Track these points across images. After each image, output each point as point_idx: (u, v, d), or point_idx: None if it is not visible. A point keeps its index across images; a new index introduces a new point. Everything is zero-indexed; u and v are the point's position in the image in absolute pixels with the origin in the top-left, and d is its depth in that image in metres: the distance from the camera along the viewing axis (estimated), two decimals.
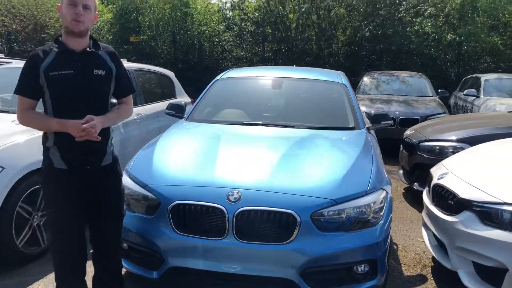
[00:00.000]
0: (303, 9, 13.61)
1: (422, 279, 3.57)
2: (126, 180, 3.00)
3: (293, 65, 14.40)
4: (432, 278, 3.58)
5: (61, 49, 2.40)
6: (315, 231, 2.65)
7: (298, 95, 4.48)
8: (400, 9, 14.58)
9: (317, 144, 3.47)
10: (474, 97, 10.34)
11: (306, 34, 14.63)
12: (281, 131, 3.78)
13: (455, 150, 5.08)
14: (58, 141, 2.43)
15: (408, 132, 6.09)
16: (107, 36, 16.91)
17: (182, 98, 6.75)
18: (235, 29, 15.89)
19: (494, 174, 3.22)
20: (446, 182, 3.32)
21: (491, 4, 13.91)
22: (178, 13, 16.20)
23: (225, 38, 15.87)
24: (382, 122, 4.22)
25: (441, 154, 5.20)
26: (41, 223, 3.66)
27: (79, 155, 2.43)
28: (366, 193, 2.83)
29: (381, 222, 2.83)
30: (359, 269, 2.77)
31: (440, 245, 3.43)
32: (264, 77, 4.73)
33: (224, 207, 2.65)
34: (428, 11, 14.91)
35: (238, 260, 2.67)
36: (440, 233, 3.27)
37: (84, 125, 2.32)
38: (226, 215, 2.64)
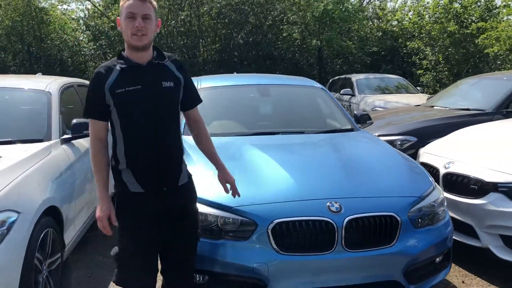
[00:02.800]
0: (182, 17, 13.38)
1: None
2: (199, 208, 2.66)
3: None
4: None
5: (125, 64, 2.19)
6: (412, 229, 2.72)
7: (286, 101, 4.46)
8: (268, 17, 15.39)
9: (352, 147, 3.54)
10: (350, 96, 11.52)
11: (183, 42, 14.43)
12: (301, 138, 3.76)
13: (403, 143, 5.65)
14: (132, 163, 2.23)
15: None
16: None
17: None
18: (102, 37, 14.85)
19: (503, 156, 3.68)
20: (461, 170, 3.69)
21: (344, 13, 15.59)
22: (31, 21, 14.47)
23: (93, 47, 14.72)
24: (367, 122, 4.47)
25: None
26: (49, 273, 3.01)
27: (155, 176, 2.24)
28: (433, 189, 3.00)
29: (446, 214, 3.03)
30: (438, 260, 2.92)
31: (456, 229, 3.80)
32: (248, 84, 4.59)
33: (331, 219, 2.55)
34: (291, 19, 16.04)
35: (348, 271, 2.60)
36: (464, 216, 3.61)
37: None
38: (335, 226, 2.54)
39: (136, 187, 2.22)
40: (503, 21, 11.77)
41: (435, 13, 12.79)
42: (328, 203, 2.62)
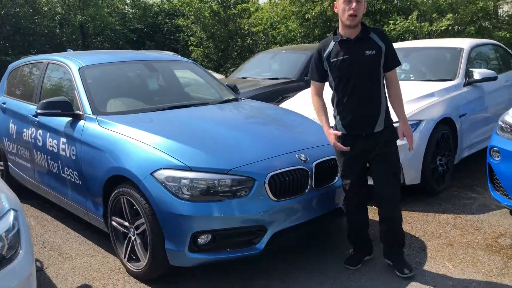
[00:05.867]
0: None
1: None
2: (194, 176, 2.87)
3: None
4: None
5: (338, 39, 2.96)
6: None
7: (172, 75, 4.63)
8: None
9: (267, 110, 4.18)
10: None
11: None
12: (213, 108, 4.10)
13: None
14: (339, 113, 3.09)
15: None
16: None
17: None
18: None
19: None
20: None
21: None
22: None
23: None
24: (238, 92, 5.07)
25: None
26: None
27: (355, 122, 3.00)
28: None
29: None
30: None
31: None
32: (133, 61, 4.51)
33: (305, 166, 3.16)
34: None
35: (315, 205, 3.26)
36: None
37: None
38: (308, 171, 3.16)
39: (342, 130, 3.05)
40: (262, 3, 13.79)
41: None
42: (296, 155, 3.20)
